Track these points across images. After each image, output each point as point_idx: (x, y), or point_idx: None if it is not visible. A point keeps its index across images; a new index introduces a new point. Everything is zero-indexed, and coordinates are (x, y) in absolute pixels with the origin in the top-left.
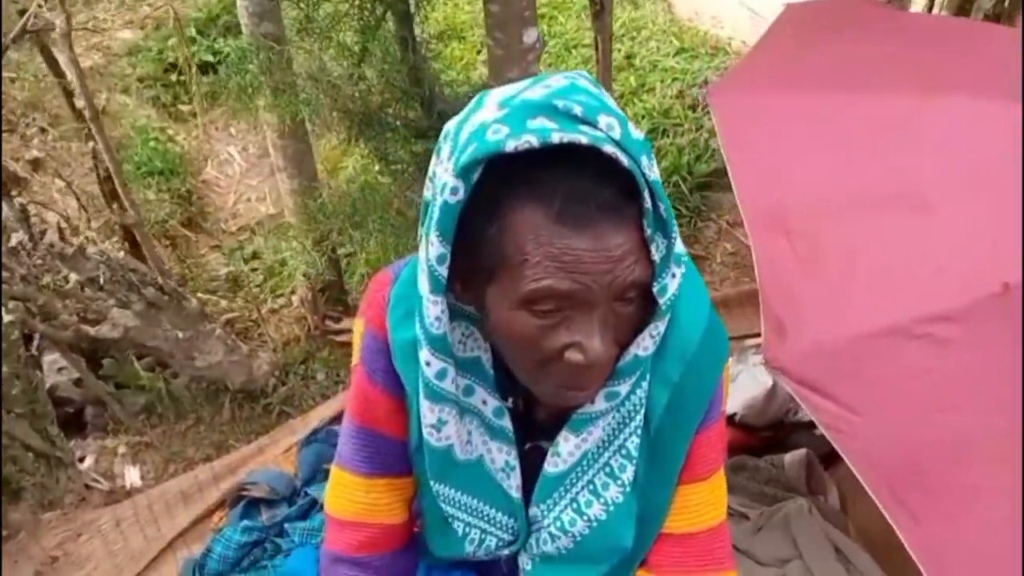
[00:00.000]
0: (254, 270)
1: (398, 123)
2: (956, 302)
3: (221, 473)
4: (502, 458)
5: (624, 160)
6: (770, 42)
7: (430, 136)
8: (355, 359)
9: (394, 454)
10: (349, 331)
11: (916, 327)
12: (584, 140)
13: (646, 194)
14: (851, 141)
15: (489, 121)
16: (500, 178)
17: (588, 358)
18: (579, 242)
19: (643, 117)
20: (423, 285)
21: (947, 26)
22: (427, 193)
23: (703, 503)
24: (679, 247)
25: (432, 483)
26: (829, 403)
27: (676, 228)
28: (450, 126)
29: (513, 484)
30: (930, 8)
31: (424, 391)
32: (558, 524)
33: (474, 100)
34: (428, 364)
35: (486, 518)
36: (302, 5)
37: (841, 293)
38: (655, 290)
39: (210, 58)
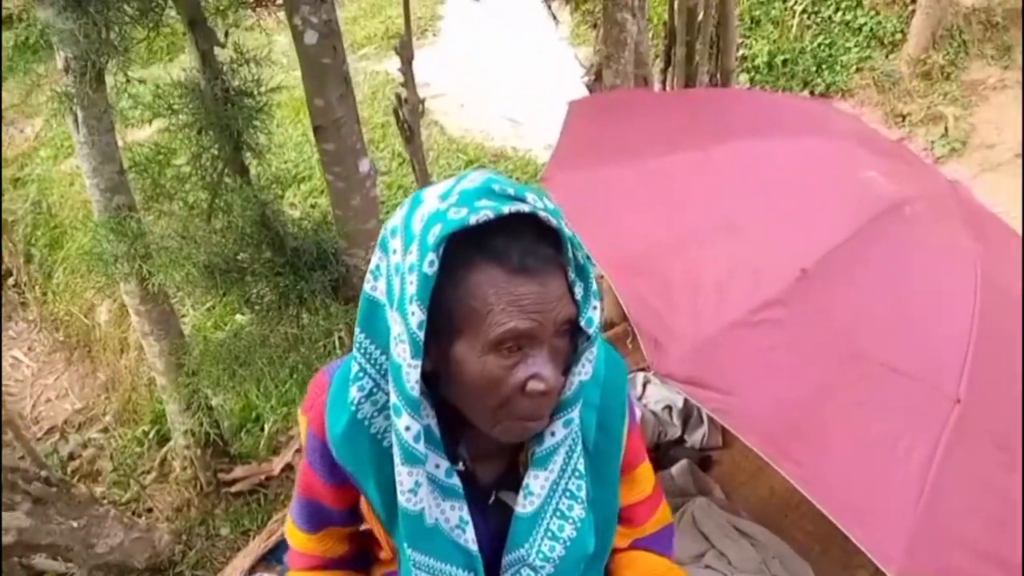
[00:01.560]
0: (77, 472)
1: (255, 266)
2: (774, 290)
3: None
4: (456, 515)
5: (553, 222)
6: (573, 130)
7: (286, 272)
8: (302, 445)
9: (334, 516)
10: (243, 479)
11: (752, 316)
12: (527, 209)
13: (568, 247)
14: (666, 192)
15: (443, 208)
16: (454, 251)
17: (548, 385)
18: (530, 288)
19: None
20: (402, 355)
21: (697, 96)
22: (367, 288)
23: (640, 482)
24: (594, 286)
25: (408, 550)
26: (709, 392)
27: (592, 271)
28: (395, 223)
29: (469, 538)
30: (663, 84)
31: (403, 457)
32: (540, 556)
33: (408, 202)
34: (408, 429)
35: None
36: (146, 174)
37: (693, 306)
38: (582, 322)
39: None
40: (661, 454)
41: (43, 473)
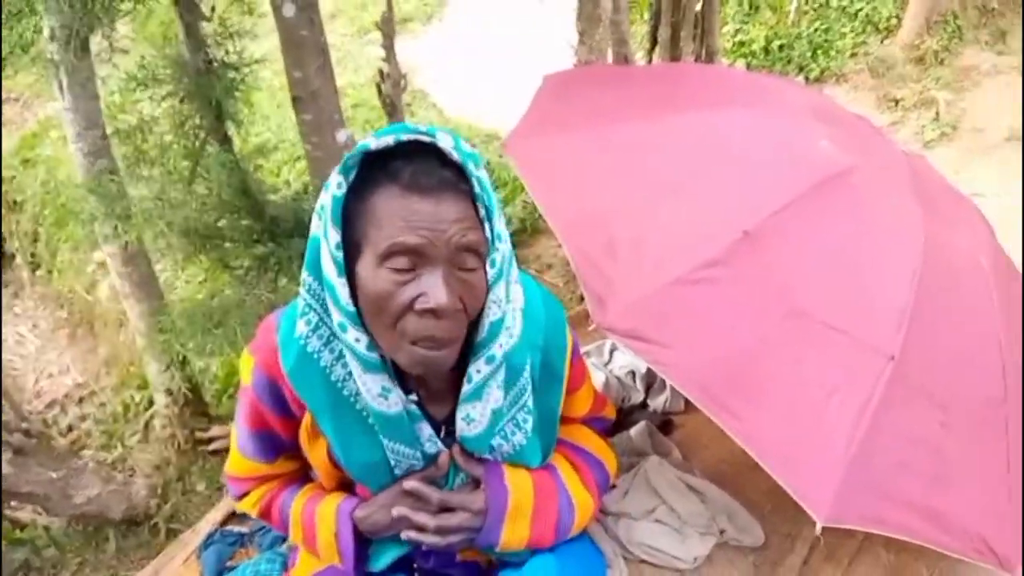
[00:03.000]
0: (76, 444)
1: (235, 233)
2: (715, 250)
3: None
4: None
5: (456, 155)
6: (540, 102)
7: (265, 240)
8: (245, 382)
9: (287, 444)
10: (219, 438)
11: (693, 275)
12: (426, 138)
13: (474, 181)
14: (618, 159)
15: (365, 142)
16: (365, 178)
17: (435, 303)
18: (423, 206)
19: None
20: (331, 274)
21: (660, 69)
22: (312, 227)
23: (582, 401)
24: (499, 227)
25: (385, 441)
26: (649, 345)
27: (496, 212)
28: (338, 166)
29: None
30: (649, 61)
31: (363, 367)
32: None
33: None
34: (358, 340)
35: (416, 458)
36: (129, 140)
37: (637, 264)
38: (487, 263)
39: None
40: (624, 417)
41: (24, 425)
